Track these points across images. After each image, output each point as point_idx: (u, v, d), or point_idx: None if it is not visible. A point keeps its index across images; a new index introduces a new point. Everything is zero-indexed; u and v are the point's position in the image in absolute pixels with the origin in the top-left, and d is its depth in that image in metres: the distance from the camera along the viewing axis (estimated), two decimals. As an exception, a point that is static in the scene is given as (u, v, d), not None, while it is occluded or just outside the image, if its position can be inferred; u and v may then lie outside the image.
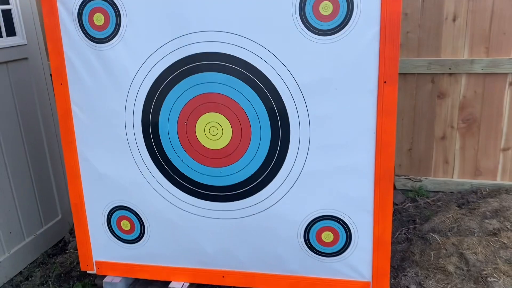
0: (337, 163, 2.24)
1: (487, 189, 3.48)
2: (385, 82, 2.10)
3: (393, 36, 2.04)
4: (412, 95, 3.58)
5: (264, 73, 2.17)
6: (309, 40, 2.09)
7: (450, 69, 3.41)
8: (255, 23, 2.12)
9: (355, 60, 2.09)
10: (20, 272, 3.11)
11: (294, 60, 2.13)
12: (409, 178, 3.75)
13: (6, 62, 2.95)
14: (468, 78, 3.42)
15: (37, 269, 3.14)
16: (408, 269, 2.77)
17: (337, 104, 2.16)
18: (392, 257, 2.93)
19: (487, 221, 2.90)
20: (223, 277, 2.55)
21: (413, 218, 3.34)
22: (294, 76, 2.15)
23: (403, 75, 3.53)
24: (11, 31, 3.01)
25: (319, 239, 2.37)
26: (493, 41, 3.30)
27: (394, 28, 2.03)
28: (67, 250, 3.35)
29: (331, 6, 2.03)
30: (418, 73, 3.50)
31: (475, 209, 3.12)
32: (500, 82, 3.37)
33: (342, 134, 2.20)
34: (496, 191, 3.41)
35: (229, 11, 2.13)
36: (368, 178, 2.23)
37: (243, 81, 2.21)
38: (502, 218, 2.90)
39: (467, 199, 3.36)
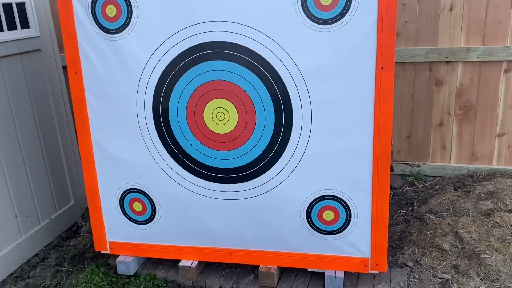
0: (337, 145, 2.37)
1: (483, 173, 3.62)
2: (382, 68, 2.22)
3: (390, 24, 2.16)
4: (410, 83, 3.70)
5: (268, 60, 2.30)
6: (311, 29, 2.21)
7: (447, 57, 3.53)
8: (259, 13, 2.25)
9: (354, 47, 2.21)
10: (36, 254, 3.27)
11: (297, 48, 2.26)
12: (408, 164, 3.88)
13: (20, 54, 3.09)
14: (464, 66, 3.54)
15: (52, 251, 3.29)
16: (405, 248, 2.91)
17: (337, 89, 2.29)
18: (391, 237, 3.07)
19: (481, 202, 3.04)
20: (230, 255, 2.70)
21: (411, 201, 3.48)
22: (296, 63, 2.28)
23: (401, 63, 3.66)
24: (24, 24, 3.14)
25: (321, 218, 2.51)
26: (489, 30, 3.41)
27: (391, 16, 2.15)
28: (80, 233, 3.50)
29: (331, -4, 2.16)
30: (416, 62, 3.62)
31: (470, 191, 3.25)
32: (495, 70, 3.48)
33: (342, 118, 2.33)
34: (491, 175, 3.54)
35: (234, 2, 2.26)
36: (367, 159, 2.36)
37: (248, 69, 2.34)
38: (496, 200, 3.03)
39: (463, 183, 3.50)
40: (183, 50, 2.39)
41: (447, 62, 3.56)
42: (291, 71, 2.30)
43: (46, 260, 3.20)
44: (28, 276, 3.03)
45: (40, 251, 3.30)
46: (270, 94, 2.36)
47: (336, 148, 2.38)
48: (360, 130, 2.33)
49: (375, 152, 2.35)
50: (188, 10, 2.33)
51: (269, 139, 2.43)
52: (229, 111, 2.44)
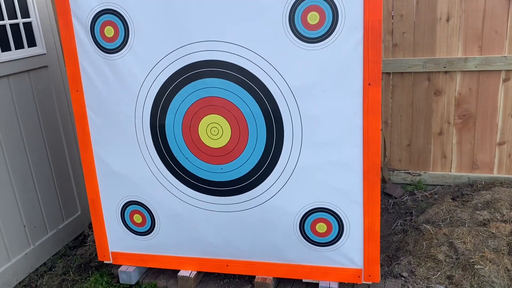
0: (328, 158, 2.43)
1: (483, 182, 3.62)
2: (369, 84, 2.28)
3: (375, 41, 2.21)
4: (410, 93, 3.73)
5: (259, 77, 2.38)
6: (299, 47, 2.28)
7: (445, 67, 3.55)
8: (249, 33, 2.32)
9: (341, 64, 2.27)
10: (44, 263, 3.39)
11: (286, 66, 2.33)
12: (409, 173, 3.90)
13: (28, 71, 3.23)
14: (462, 75, 3.56)
15: (59, 260, 3.41)
16: (402, 258, 2.94)
17: (326, 105, 2.35)
18: (388, 247, 3.10)
19: (478, 212, 3.05)
20: (227, 265, 2.77)
21: (410, 211, 3.51)
22: (286, 80, 2.35)
23: (400, 73, 3.69)
24: (31, 42, 3.28)
25: (314, 230, 2.57)
26: (486, 39, 3.43)
27: (376, 34, 2.20)
28: (86, 243, 3.62)
29: (318, 16, 2.22)
30: (414, 72, 3.65)
31: (468, 201, 3.26)
32: (494, 79, 3.49)
33: (332, 131, 2.39)
34: (491, 184, 3.55)
35: (226, 22, 2.34)
36: (357, 172, 2.42)
37: (240, 86, 2.42)
38: (492, 210, 3.04)
39: (461, 192, 3.51)
40: (178, 68, 2.49)
41: (446, 72, 3.59)
42: (280, 87, 2.37)
43: (53, 269, 3.32)
44: (36, 285, 3.15)
45: (47, 260, 3.43)
46: (261, 110, 2.43)
47: (326, 161, 2.44)
48: (350, 144, 2.39)
49: (365, 164, 2.40)
50: (182, 30, 2.42)
51: (261, 153, 2.50)
52: (222, 126, 2.52)
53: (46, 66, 3.39)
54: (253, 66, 2.37)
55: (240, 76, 2.40)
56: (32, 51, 3.27)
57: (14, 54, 3.10)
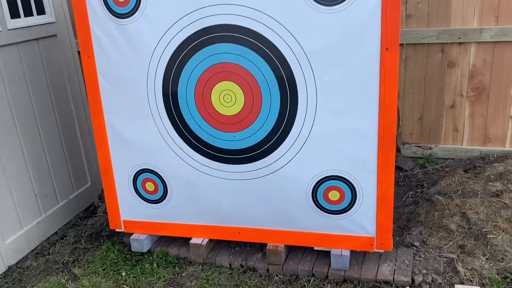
0: (342, 126, 2.40)
1: (495, 155, 3.59)
2: (387, 49, 2.23)
3: (394, 5, 2.16)
4: (422, 65, 3.67)
5: (273, 42, 2.34)
6: (315, 10, 2.23)
7: (459, 38, 3.48)
8: (264, -4, 2.27)
9: (359, 28, 2.23)
10: (56, 232, 3.42)
11: (301, 30, 2.29)
12: (420, 146, 3.87)
13: (37, 39, 3.19)
14: (477, 47, 3.49)
15: (70, 230, 3.44)
16: (413, 229, 2.94)
17: (342, 70, 2.31)
18: (399, 218, 3.10)
19: (491, 183, 3.03)
20: (239, 233, 2.78)
21: (421, 183, 3.49)
22: (301, 45, 2.31)
23: (413, 45, 3.63)
24: (40, 10, 3.23)
25: (326, 198, 2.56)
26: (502, 9, 3.35)
27: (395, -3, 2.15)
28: (96, 213, 3.64)
29: (335, -23, 2.17)
30: (428, 43, 3.59)
31: (480, 173, 3.24)
32: (509, 50, 3.43)
33: (347, 98, 2.36)
34: (503, 157, 3.52)
35: (240, -15, 2.29)
36: (372, 139, 2.39)
37: (253, 51, 2.38)
38: (505, 181, 3.02)
39: (474, 165, 3.48)
40: (191, 33, 2.45)
41: (460, 43, 3.52)
42: (296, 52, 2.33)
43: (64, 238, 3.35)
44: (48, 253, 3.18)
45: (59, 229, 3.45)
46: (275, 76, 2.40)
47: (341, 128, 2.41)
48: (365, 110, 2.36)
49: (380, 131, 2.37)
50: (195, -6, 2.37)
51: (275, 121, 2.48)
52: (235, 93, 2.49)
53: (55, 35, 3.36)
54: (268, 31, 2.33)
55: (254, 40, 2.36)
56: (41, 19, 3.23)
57: (23, 21, 3.06)
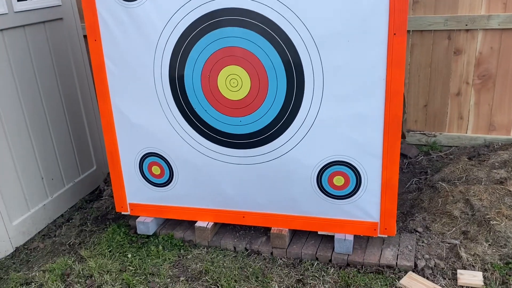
0: (348, 111, 2.41)
1: (500, 143, 3.59)
2: (394, 34, 2.23)
3: (402, -11, 2.15)
4: (429, 52, 3.66)
5: (281, 26, 2.33)
6: (323, -6, 2.23)
7: (466, 25, 3.46)
8: (272, -21, 2.27)
9: (367, 13, 2.22)
10: (62, 215, 3.46)
11: (309, 14, 2.28)
12: (424, 134, 3.88)
13: (43, 22, 3.19)
14: (484, 34, 3.47)
15: (76, 213, 3.48)
16: (416, 215, 2.96)
17: (349, 55, 2.31)
18: (402, 204, 3.12)
19: (495, 171, 3.04)
20: (243, 217, 2.81)
21: (425, 170, 3.50)
22: (309, 29, 2.31)
23: (419, 32, 3.61)
24: (46, -7, 3.23)
25: (331, 183, 2.58)
26: (511, -4, 3.33)
27: (404, -19, 2.14)
28: (102, 197, 3.67)
29: (344, -39, 2.15)
30: (434, 30, 3.57)
31: (484, 160, 3.25)
32: (516, 38, 3.41)
33: (354, 83, 2.36)
34: (508, 145, 3.52)
35: (248, -32, 2.28)
36: (378, 125, 2.40)
37: (260, 35, 2.38)
38: (510, 168, 3.03)
39: (478, 152, 3.49)
40: (197, 17, 2.44)
41: (467, 30, 3.50)
42: (303, 37, 2.32)
43: (71, 221, 3.38)
44: (55, 235, 3.22)
45: (65, 212, 3.49)
46: (282, 60, 2.40)
47: (347, 114, 2.42)
48: (372, 96, 2.36)
49: (386, 117, 2.37)
50: (202, -23, 2.36)
51: (281, 105, 2.48)
52: (242, 77, 2.49)
53: (61, 18, 3.35)
54: (275, 15, 2.32)
55: (261, 24, 2.36)
56: (47, 1, 3.22)
57: (29, 4, 3.06)
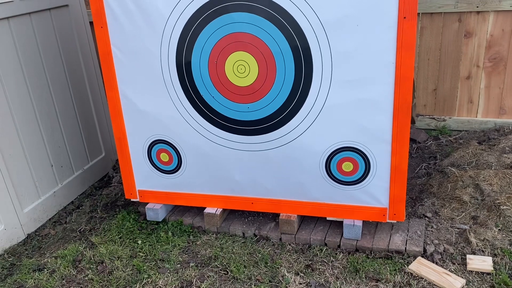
0: (357, 96, 2.39)
1: (510, 127, 3.55)
2: (404, 17, 2.19)
3: (413, -29, 2.10)
4: (439, 35, 3.60)
5: (289, 11, 2.30)
6: (332, -22, 2.18)
7: (477, 7, 3.39)
8: (279, -37, 2.23)
9: (376, -4, 2.18)
10: (72, 202, 3.49)
11: (317, -2, 2.24)
12: (433, 118, 3.84)
13: (49, 9, 3.17)
14: (496, 16, 3.41)
15: (86, 200, 3.51)
16: (425, 200, 2.95)
17: (358, 40, 2.28)
18: (411, 189, 3.11)
19: (505, 155, 3.01)
20: (252, 203, 2.82)
21: (434, 155, 3.48)
22: (317, 14, 2.27)
23: (429, 14, 3.55)
24: (51, -21, 3.20)
25: (340, 169, 2.57)
26: (524, -24, 3.25)
27: (414, -37, 2.09)
28: (111, 183, 3.69)
29: None
30: (445, 12, 3.51)
31: (495, 145, 3.22)
32: (529, 19, 3.34)
33: (363, 68, 2.33)
34: (519, 129, 3.48)
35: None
36: (387, 110, 2.37)
37: (268, 20, 2.35)
38: (520, 153, 3.00)
39: (488, 136, 3.45)
40: (204, 2, 2.41)
41: (478, 12, 3.43)
42: (311, 22, 2.29)
43: (81, 207, 3.42)
44: (65, 221, 3.26)
45: (75, 199, 3.52)
46: (290, 46, 2.37)
47: (356, 99, 2.40)
48: (381, 81, 2.33)
49: (396, 102, 2.35)
50: (208, -39, 2.33)
51: (289, 91, 2.47)
52: (249, 63, 2.47)
53: (67, 5, 3.33)
54: (283, -1, 2.29)
55: (269, 9, 2.33)
56: (53, -12, 3.20)
57: (35, -9, 3.04)
